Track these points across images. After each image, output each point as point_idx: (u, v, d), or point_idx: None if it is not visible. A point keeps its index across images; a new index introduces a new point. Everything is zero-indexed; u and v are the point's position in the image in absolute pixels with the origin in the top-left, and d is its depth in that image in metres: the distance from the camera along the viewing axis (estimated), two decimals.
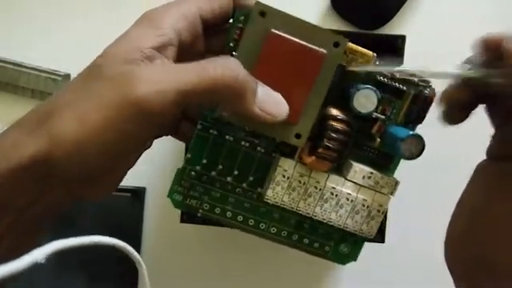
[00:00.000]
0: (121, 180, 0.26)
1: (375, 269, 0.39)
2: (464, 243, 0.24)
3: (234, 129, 0.28)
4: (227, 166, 0.29)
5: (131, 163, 0.26)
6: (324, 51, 0.24)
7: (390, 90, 0.28)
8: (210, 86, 0.21)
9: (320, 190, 0.28)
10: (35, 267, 0.15)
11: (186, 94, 0.21)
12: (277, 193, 0.28)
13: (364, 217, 0.29)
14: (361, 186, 0.28)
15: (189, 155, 0.28)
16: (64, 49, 0.40)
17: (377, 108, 0.27)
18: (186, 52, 0.24)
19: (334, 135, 0.27)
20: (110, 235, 0.18)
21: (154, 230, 0.40)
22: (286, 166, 0.28)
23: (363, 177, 0.28)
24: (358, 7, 0.40)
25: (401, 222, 0.37)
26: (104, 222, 0.39)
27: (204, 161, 0.29)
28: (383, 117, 0.28)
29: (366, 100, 0.27)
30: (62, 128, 0.21)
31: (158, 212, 0.40)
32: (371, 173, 0.28)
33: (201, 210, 0.29)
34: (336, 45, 0.24)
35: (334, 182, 0.29)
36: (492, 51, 0.22)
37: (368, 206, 0.29)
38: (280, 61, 0.24)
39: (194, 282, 0.40)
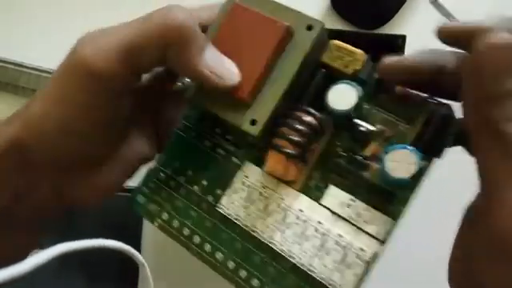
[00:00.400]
0: (115, 184, 0.25)
1: (376, 269, 0.39)
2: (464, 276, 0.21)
3: (215, 135, 0.25)
4: (198, 173, 0.25)
5: (120, 162, 0.24)
6: (286, 23, 0.21)
7: (393, 110, 0.22)
8: (152, 35, 0.20)
9: (284, 209, 0.22)
10: (36, 268, 0.15)
11: (128, 46, 0.20)
12: (232, 202, 0.23)
13: (337, 261, 0.21)
14: (337, 216, 0.22)
15: (163, 155, 0.26)
16: (64, 49, 0.39)
17: (359, 110, 0.22)
18: None
19: (298, 126, 0.22)
20: (110, 235, 0.18)
21: (154, 230, 0.40)
22: (249, 172, 0.24)
23: (341, 203, 0.22)
24: (357, 7, 0.40)
25: (402, 222, 0.37)
26: (104, 222, 0.39)
27: (176, 164, 0.26)
28: (372, 128, 0.22)
29: (342, 96, 0.21)
30: (31, 110, 0.21)
31: None
32: (352, 200, 0.22)
33: (159, 220, 0.25)
34: (309, 28, 0.22)
35: (304, 204, 0.22)
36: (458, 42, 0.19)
37: (344, 247, 0.21)
38: (240, 33, 0.22)
39: (194, 282, 0.40)
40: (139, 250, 0.39)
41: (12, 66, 0.39)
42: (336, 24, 0.40)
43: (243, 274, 0.23)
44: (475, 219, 0.19)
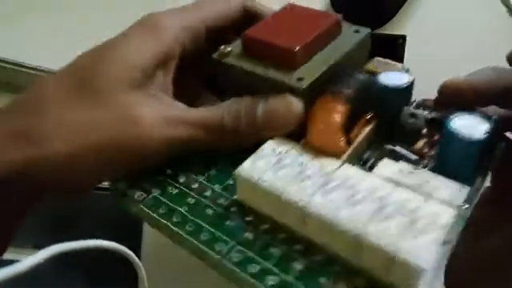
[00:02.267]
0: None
1: None
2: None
3: None
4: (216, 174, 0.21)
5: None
6: (338, 15, 0.24)
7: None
8: (201, 141, 0.20)
9: (327, 174, 0.17)
10: (36, 269, 0.15)
11: (175, 146, 0.20)
12: (257, 166, 0.18)
13: (404, 226, 0.15)
14: (397, 183, 0.17)
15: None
16: (64, 49, 0.40)
17: (408, 97, 0.21)
18: (186, 61, 0.23)
19: (352, 81, 0.21)
20: (111, 235, 0.18)
21: (154, 230, 0.40)
22: (280, 142, 0.19)
23: (400, 171, 0.18)
24: (357, 7, 0.40)
25: None
26: (104, 222, 0.39)
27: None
28: (424, 112, 0.21)
29: (394, 76, 0.21)
30: (51, 145, 0.19)
31: None
32: (415, 168, 0.18)
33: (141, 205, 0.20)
34: (357, 31, 0.24)
35: (352, 171, 0.18)
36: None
37: (413, 211, 0.16)
38: (294, 17, 0.24)
39: (194, 283, 0.40)
40: (139, 250, 0.39)
41: (12, 66, 0.39)
42: None
43: (254, 268, 0.17)
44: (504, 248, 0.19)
